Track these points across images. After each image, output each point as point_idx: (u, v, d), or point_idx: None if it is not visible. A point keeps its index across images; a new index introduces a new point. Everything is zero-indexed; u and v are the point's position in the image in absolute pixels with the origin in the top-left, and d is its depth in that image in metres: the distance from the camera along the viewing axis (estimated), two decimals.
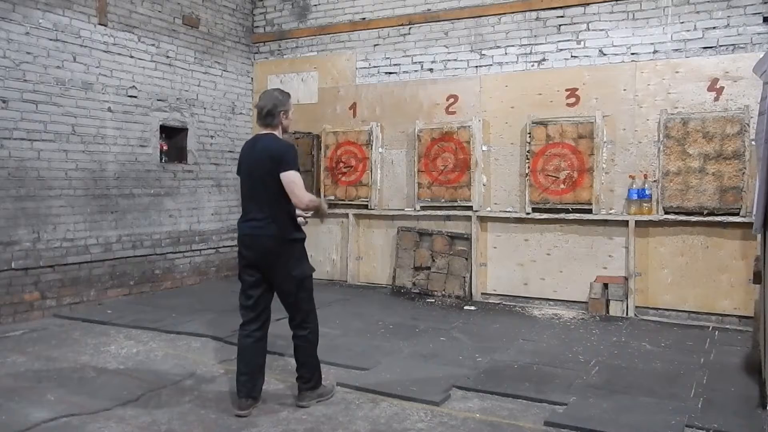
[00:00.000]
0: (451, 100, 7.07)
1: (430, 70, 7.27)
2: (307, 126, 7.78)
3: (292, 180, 3.51)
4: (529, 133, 6.47)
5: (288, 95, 3.75)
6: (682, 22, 6.02)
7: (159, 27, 7.08)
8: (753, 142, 5.17)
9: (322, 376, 3.85)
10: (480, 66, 6.98)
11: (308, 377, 3.72)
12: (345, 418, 3.53)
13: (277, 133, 3.70)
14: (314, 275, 3.80)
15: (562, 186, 6.34)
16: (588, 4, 6.40)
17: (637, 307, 6.04)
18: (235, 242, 8.06)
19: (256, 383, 3.65)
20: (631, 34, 6.23)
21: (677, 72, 5.99)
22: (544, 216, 6.44)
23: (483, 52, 6.96)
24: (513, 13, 6.76)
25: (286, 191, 3.52)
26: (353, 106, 7.70)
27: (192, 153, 7.53)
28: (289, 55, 8.24)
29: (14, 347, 4.82)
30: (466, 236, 6.87)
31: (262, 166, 3.56)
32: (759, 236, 4.31)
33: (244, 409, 3.55)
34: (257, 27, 8.47)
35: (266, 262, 3.60)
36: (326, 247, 7.79)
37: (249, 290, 3.65)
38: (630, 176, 6.13)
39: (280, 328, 4.28)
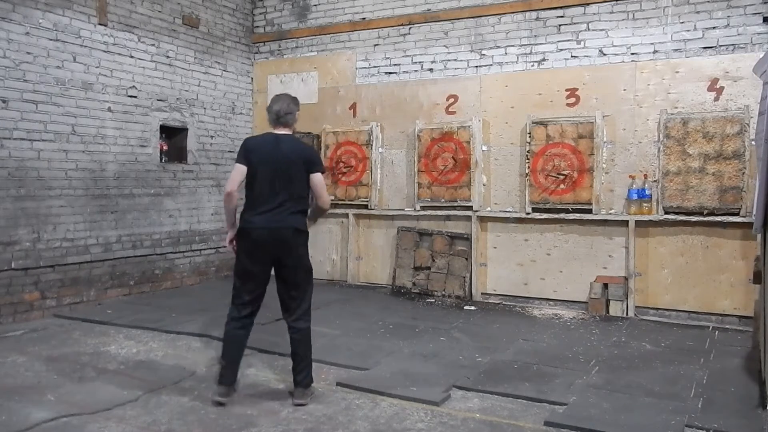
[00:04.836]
0: (451, 100, 7.07)
1: (430, 70, 7.27)
2: (307, 126, 7.74)
3: (321, 181, 3.82)
4: (529, 133, 6.47)
5: (297, 100, 3.98)
6: (682, 22, 6.02)
7: (159, 27, 7.08)
8: (753, 142, 5.17)
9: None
10: (480, 66, 6.98)
11: (308, 371, 3.79)
12: (345, 418, 3.53)
13: (291, 132, 3.91)
14: (314, 275, 3.97)
15: (562, 186, 6.34)
16: (588, 4, 6.40)
17: (637, 307, 6.04)
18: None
19: (237, 371, 3.81)
20: (631, 34, 6.23)
21: (677, 72, 5.99)
22: (544, 216, 6.44)
23: (483, 52, 6.96)
24: (513, 13, 6.76)
25: (309, 188, 3.76)
26: (353, 106, 7.70)
27: (192, 153, 7.53)
28: (289, 55, 8.24)
29: (14, 347, 4.82)
30: (466, 236, 6.87)
31: (293, 163, 3.73)
32: (759, 236, 4.31)
33: (226, 396, 3.70)
34: (257, 27, 8.47)
35: (282, 253, 3.69)
36: (326, 247, 7.79)
37: (252, 285, 3.73)
38: (630, 176, 6.13)
39: (279, 327, 4.28)
